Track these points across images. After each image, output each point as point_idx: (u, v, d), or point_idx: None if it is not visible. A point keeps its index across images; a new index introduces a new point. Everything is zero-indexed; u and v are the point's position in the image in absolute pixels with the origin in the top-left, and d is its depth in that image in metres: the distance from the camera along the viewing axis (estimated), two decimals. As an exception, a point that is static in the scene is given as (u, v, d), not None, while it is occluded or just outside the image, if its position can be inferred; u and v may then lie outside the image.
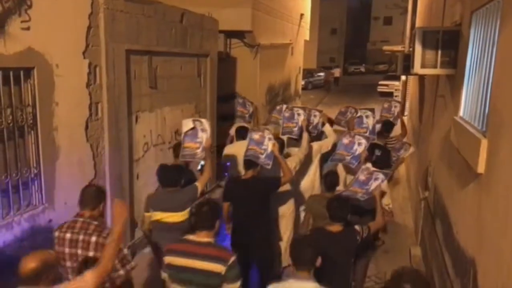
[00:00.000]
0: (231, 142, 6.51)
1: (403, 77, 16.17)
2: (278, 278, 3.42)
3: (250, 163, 4.67)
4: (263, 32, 12.17)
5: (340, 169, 5.55)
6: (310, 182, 5.82)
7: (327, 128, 6.23)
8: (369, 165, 4.80)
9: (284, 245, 5.30)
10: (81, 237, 3.27)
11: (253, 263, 4.61)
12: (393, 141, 6.91)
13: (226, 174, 6.02)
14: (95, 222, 3.36)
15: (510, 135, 2.53)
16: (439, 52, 4.53)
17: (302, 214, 5.38)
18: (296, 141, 5.68)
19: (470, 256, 3.23)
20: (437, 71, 4.69)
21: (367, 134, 5.91)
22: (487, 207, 2.94)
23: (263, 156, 4.67)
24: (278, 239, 5.30)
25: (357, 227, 3.79)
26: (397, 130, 7.37)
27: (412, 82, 12.76)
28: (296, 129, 5.63)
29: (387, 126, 6.82)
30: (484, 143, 2.96)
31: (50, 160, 4.33)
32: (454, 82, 4.52)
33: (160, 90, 6.35)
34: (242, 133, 6.11)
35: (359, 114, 6.25)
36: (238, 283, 3.05)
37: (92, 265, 2.75)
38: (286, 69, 16.05)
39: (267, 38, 12.45)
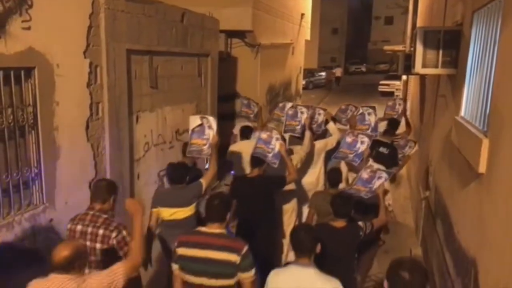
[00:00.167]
0: (235, 141, 6.54)
1: (404, 77, 16.16)
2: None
3: (256, 161, 4.77)
4: (264, 32, 12.16)
5: (343, 166, 5.61)
6: (315, 179, 5.90)
7: (331, 126, 6.31)
8: (370, 161, 4.83)
9: (287, 242, 5.33)
10: (89, 229, 3.39)
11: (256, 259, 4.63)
12: (397, 138, 6.95)
13: (232, 172, 6.06)
14: (105, 216, 3.46)
15: (511, 135, 2.53)
16: (440, 52, 4.53)
17: (306, 211, 5.41)
18: (299, 139, 5.72)
19: (471, 256, 3.23)
20: (438, 71, 4.69)
21: (369, 131, 5.96)
22: (488, 207, 2.94)
23: (270, 155, 4.79)
24: (282, 236, 5.37)
25: (360, 223, 3.85)
26: (401, 127, 7.42)
27: (413, 82, 12.76)
28: (299, 127, 5.66)
29: (393, 124, 6.90)
30: (485, 143, 2.96)
31: (50, 159, 4.33)
32: (455, 82, 4.52)
33: (161, 89, 6.34)
34: (246, 133, 6.19)
35: (361, 111, 6.27)
36: (253, 272, 3.12)
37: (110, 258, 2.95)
38: (286, 69, 16.05)
39: (267, 38, 12.45)
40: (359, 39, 53.56)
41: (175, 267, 3.26)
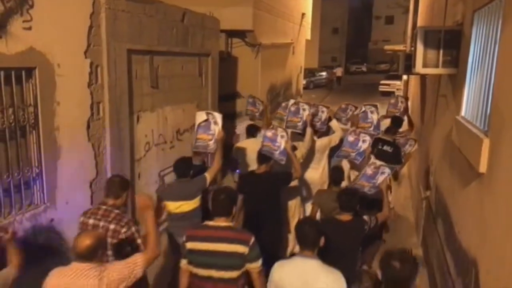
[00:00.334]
0: (237, 141, 6.60)
1: (404, 77, 16.15)
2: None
3: (263, 158, 4.88)
4: (264, 32, 12.16)
5: (345, 164, 5.72)
6: (319, 176, 6.00)
7: (334, 123, 6.46)
8: (372, 158, 4.89)
9: (293, 237, 5.47)
10: (101, 223, 3.48)
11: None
12: (400, 136, 7.03)
13: (238, 171, 6.13)
14: (116, 211, 3.55)
15: (512, 134, 2.53)
16: (441, 51, 4.53)
17: (309, 207, 5.54)
18: (300, 136, 5.82)
19: (472, 255, 3.23)
20: (439, 70, 4.69)
21: (371, 130, 6.04)
22: (489, 206, 2.94)
23: (277, 153, 4.91)
24: (287, 231, 5.51)
25: (365, 217, 3.97)
26: (404, 125, 7.50)
27: (414, 81, 12.75)
28: (300, 123, 5.75)
29: (397, 121, 6.99)
30: (486, 142, 2.96)
31: (51, 159, 4.33)
32: (456, 81, 4.52)
33: (162, 89, 6.35)
34: (252, 131, 6.36)
35: (363, 109, 6.34)
36: (260, 262, 3.22)
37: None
38: (287, 68, 16.05)
39: (268, 38, 12.45)
40: (359, 38, 53.51)
41: (183, 262, 3.34)
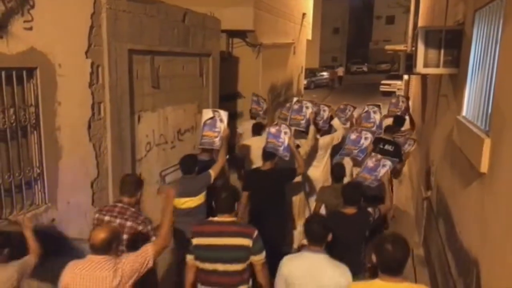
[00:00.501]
0: (239, 140, 6.73)
1: (405, 77, 16.13)
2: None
3: (268, 155, 5.00)
4: (265, 32, 12.16)
5: (347, 161, 5.80)
6: (321, 173, 6.15)
7: (336, 122, 6.68)
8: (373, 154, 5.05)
9: (297, 233, 5.75)
10: (118, 220, 3.58)
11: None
12: (400, 135, 7.11)
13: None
14: (132, 209, 3.67)
15: (513, 134, 2.53)
16: (442, 51, 4.53)
17: (312, 203, 5.65)
18: (303, 133, 5.94)
19: (473, 255, 3.23)
20: (440, 70, 4.68)
21: (374, 129, 6.15)
22: (490, 206, 2.94)
23: (281, 149, 5.04)
24: (292, 227, 5.69)
25: (369, 209, 4.08)
26: (405, 124, 7.65)
27: (415, 81, 12.74)
28: (303, 121, 5.87)
29: (399, 120, 7.17)
30: (487, 142, 2.95)
31: (53, 159, 4.34)
32: (457, 81, 4.51)
33: (163, 89, 6.35)
34: (258, 129, 6.54)
35: (366, 109, 6.46)
36: (263, 254, 3.35)
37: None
38: (288, 68, 16.04)
39: (269, 38, 12.44)
40: (360, 38, 53.49)
41: (189, 257, 3.42)
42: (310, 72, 30.33)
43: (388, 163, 4.70)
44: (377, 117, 6.31)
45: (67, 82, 4.42)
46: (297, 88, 17.96)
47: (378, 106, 6.58)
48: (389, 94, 23.47)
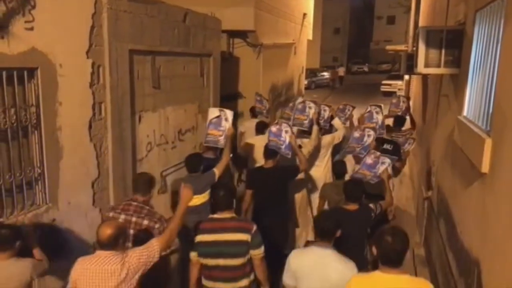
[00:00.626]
0: (241, 140, 6.83)
1: (406, 77, 16.12)
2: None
3: (270, 153, 5.11)
4: (266, 32, 12.16)
5: (349, 159, 5.95)
6: (322, 172, 6.26)
7: (336, 121, 6.77)
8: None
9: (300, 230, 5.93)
10: (134, 219, 3.69)
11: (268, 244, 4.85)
12: (399, 134, 7.27)
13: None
14: (147, 207, 3.78)
15: (515, 134, 2.52)
16: (443, 51, 4.53)
17: (316, 201, 5.79)
18: (305, 133, 6.06)
19: (474, 256, 3.23)
20: (441, 70, 4.68)
21: (376, 128, 6.27)
22: (491, 206, 2.93)
23: (283, 147, 5.19)
24: (295, 225, 5.81)
25: (371, 205, 4.19)
26: (406, 124, 7.83)
27: (416, 81, 12.73)
28: (306, 121, 5.99)
29: (399, 120, 7.34)
30: (488, 142, 2.95)
31: (53, 159, 4.34)
32: (458, 81, 4.51)
33: (163, 90, 6.35)
34: (261, 128, 6.68)
35: (369, 109, 6.59)
36: (262, 249, 3.49)
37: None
38: (289, 68, 16.04)
39: (270, 38, 12.44)
40: (361, 38, 53.49)
41: (193, 254, 3.56)
42: (311, 72, 30.34)
43: (387, 160, 4.83)
44: (379, 117, 6.43)
45: (68, 82, 4.41)
46: (297, 88, 17.96)
47: (380, 107, 6.68)
48: (390, 94, 23.46)
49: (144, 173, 4.15)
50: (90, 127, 4.80)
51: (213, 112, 5.14)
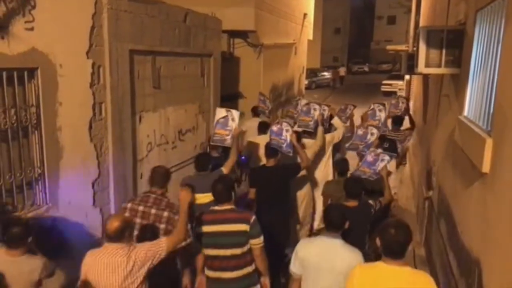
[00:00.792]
0: (243, 139, 6.99)
1: (407, 77, 16.13)
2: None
3: (272, 151, 5.21)
4: (267, 32, 12.16)
5: (352, 156, 6.12)
6: (323, 170, 6.42)
7: (336, 120, 6.97)
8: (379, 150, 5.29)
9: (305, 226, 6.09)
10: (153, 211, 3.78)
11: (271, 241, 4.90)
12: (399, 133, 7.48)
13: (243, 158, 6.60)
14: (166, 199, 3.88)
15: (515, 134, 2.52)
16: (443, 51, 4.52)
17: (318, 198, 6.01)
18: (305, 133, 6.22)
19: (475, 256, 3.22)
20: (442, 70, 4.68)
21: (379, 126, 6.43)
22: (492, 206, 2.93)
23: (284, 146, 5.30)
24: (296, 221, 5.91)
25: (370, 201, 4.32)
26: (406, 124, 8.01)
27: (416, 81, 12.73)
28: (311, 123, 6.14)
29: (397, 120, 7.53)
30: (489, 142, 2.95)
31: (54, 160, 4.34)
32: (459, 81, 4.50)
33: (164, 90, 6.35)
34: (263, 128, 6.75)
35: (372, 107, 6.76)
36: (261, 238, 3.60)
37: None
38: (289, 68, 16.04)
39: (270, 38, 12.45)
40: (361, 38, 53.48)
41: (198, 244, 3.69)
42: (311, 72, 30.34)
43: (387, 157, 4.96)
44: (382, 115, 6.59)
45: (68, 83, 4.41)
46: (298, 88, 17.96)
47: (383, 105, 6.83)
48: (391, 94, 23.47)
49: (160, 166, 4.21)
50: (90, 127, 4.80)
51: (220, 112, 5.25)
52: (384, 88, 27.17)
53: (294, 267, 3.37)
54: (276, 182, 5.07)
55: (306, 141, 6.13)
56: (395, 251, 2.72)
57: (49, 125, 4.25)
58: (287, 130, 5.33)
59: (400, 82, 23.26)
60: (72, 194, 4.56)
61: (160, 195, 3.88)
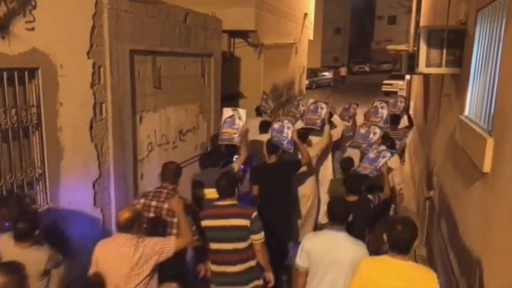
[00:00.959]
0: None
1: (407, 77, 16.12)
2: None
3: (272, 149, 5.31)
4: (267, 32, 12.16)
5: (356, 154, 6.18)
6: (327, 166, 6.64)
7: (336, 118, 7.16)
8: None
9: (305, 221, 6.12)
10: (166, 205, 3.88)
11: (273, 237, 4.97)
12: (398, 132, 7.63)
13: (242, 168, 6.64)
14: (178, 194, 3.95)
15: (516, 134, 2.51)
16: (444, 51, 4.51)
17: (324, 194, 6.25)
18: (316, 131, 6.35)
19: (476, 256, 3.22)
20: (442, 70, 4.67)
21: (381, 124, 6.52)
22: (493, 206, 2.93)
23: (285, 142, 5.39)
24: (298, 216, 6.00)
25: (369, 196, 4.49)
26: (404, 123, 8.14)
27: (417, 81, 12.72)
28: (319, 121, 6.27)
29: (394, 119, 7.57)
30: (490, 142, 2.94)
31: (54, 160, 4.34)
32: (459, 81, 4.50)
33: (164, 90, 6.35)
34: (265, 127, 6.83)
35: (375, 104, 6.85)
36: (262, 234, 3.69)
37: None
38: (290, 68, 16.04)
39: (271, 38, 12.45)
40: (362, 38, 53.47)
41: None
42: (312, 72, 30.33)
43: (388, 154, 5.08)
44: (384, 112, 6.66)
45: (69, 83, 4.42)
46: (298, 88, 17.96)
47: (386, 102, 6.96)
48: (391, 94, 23.44)
49: (172, 162, 4.28)
50: (91, 127, 4.81)
51: (227, 112, 5.32)
52: (384, 88, 27.16)
53: (300, 261, 3.45)
54: (277, 178, 5.15)
55: (313, 138, 6.29)
56: (401, 247, 2.86)
57: (49, 125, 4.25)
58: (288, 127, 5.43)
59: (401, 82, 23.25)
60: (73, 194, 4.56)
61: (172, 190, 3.99)
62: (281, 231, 5.05)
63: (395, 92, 23.40)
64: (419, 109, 10.16)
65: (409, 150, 11.40)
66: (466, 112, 4.06)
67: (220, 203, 3.80)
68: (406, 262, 2.86)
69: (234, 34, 11.03)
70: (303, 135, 5.91)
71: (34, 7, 3.96)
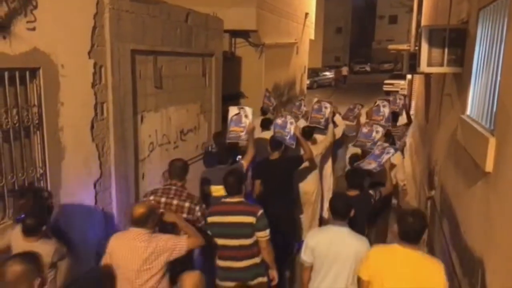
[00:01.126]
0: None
1: (409, 76, 16.11)
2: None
3: (275, 145, 5.35)
4: (268, 32, 12.15)
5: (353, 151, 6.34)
6: (327, 165, 6.73)
7: (337, 117, 7.30)
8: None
9: (309, 218, 6.21)
10: (175, 201, 3.96)
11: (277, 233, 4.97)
12: (397, 129, 7.77)
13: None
14: (186, 190, 4.04)
15: (519, 133, 2.51)
16: (446, 50, 4.50)
17: (327, 190, 6.43)
18: (320, 130, 6.51)
19: (478, 255, 3.21)
20: (444, 69, 4.66)
21: (383, 122, 6.61)
22: (495, 206, 2.92)
23: (288, 138, 5.43)
24: (300, 212, 6.06)
25: (370, 191, 4.56)
26: (403, 120, 8.37)
27: (418, 81, 12.70)
28: (323, 120, 6.45)
29: (393, 117, 7.63)
30: (492, 141, 2.93)
31: (55, 160, 4.34)
32: (461, 80, 4.49)
33: (165, 89, 6.35)
34: (267, 124, 6.99)
35: (377, 103, 6.95)
36: (267, 231, 3.76)
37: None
38: (291, 68, 16.03)
39: (272, 38, 12.44)
40: (363, 38, 53.45)
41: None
42: (313, 72, 30.32)
43: (392, 150, 5.17)
44: (386, 110, 6.76)
45: (70, 83, 4.42)
46: (300, 88, 17.96)
47: (388, 101, 7.06)
48: (392, 93, 23.41)
49: (178, 159, 4.32)
50: (92, 127, 4.81)
51: (233, 110, 5.40)
52: (386, 88, 27.12)
53: (305, 256, 3.55)
54: (280, 174, 5.20)
55: (317, 136, 6.37)
56: (411, 237, 2.98)
57: (51, 125, 4.25)
58: (291, 123, 5.47)
59: (402, 82, 23.22)
60: (74, 195, 4.56)
61: (180, 186, 4.04)
62: (285, 227, 5.09)
63: (396, 92, 23.38)
64: (421, 108, 10.15)
65: (410, 149, 11.39)
66: (468, 112, 4.06)
67: (228, 200, 3.87)
68: (415, 252, 2.96)
69: (235, 34, 11.03)
70: (308, 133, 5.99)
71: (35, 7, 3.96)
